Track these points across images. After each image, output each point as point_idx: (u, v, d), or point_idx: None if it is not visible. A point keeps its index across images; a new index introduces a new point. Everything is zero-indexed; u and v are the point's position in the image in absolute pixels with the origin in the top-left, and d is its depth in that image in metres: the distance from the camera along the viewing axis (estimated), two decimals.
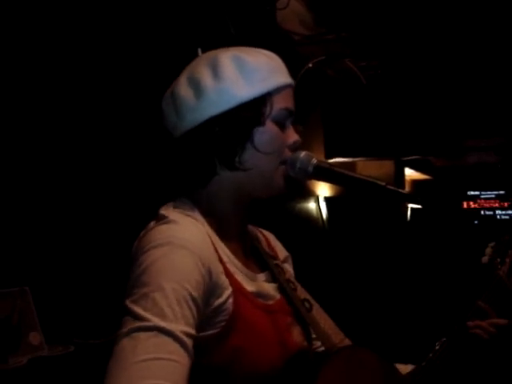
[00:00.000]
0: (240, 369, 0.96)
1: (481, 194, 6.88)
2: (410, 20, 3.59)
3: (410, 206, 6.06)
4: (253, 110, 1.03)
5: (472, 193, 6.90)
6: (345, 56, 4.21)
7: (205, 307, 0.92)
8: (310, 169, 1.06)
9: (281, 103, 1.06)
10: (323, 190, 4.85)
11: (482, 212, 6.83)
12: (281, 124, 1.07)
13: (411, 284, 5.04)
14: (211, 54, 1.08)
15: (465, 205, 6.88)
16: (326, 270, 4.32)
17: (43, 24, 2.15)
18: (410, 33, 3.76)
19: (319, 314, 1.14)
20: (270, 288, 1.10)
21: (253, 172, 1.04)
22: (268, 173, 1.06)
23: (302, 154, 1.07)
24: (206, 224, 1.03)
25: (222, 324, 0.95)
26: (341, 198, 5.08)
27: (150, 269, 0.88)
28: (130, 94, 2.44)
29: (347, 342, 1.14)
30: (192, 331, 0.86)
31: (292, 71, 1.11)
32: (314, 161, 1.07)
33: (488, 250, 1.41)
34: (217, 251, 0.99)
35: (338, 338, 1.12)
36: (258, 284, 1.07)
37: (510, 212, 6.81)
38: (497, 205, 6.82)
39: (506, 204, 6.79)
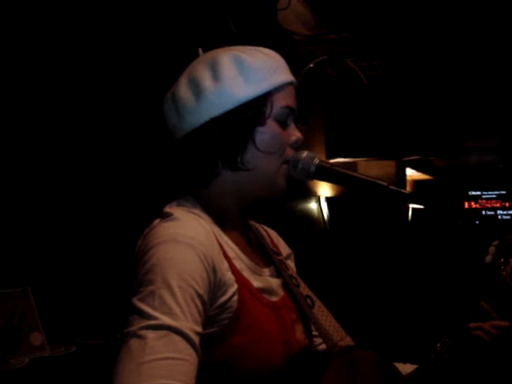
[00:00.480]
0: (242, 366, 0.95)
1: (482, 194, 6.87)
2: (410, 21, 3.59)
3: (412, 206, 6.06)
4: (253, 110, 1.02)
5: (473, 193, 6.90)
6: (346, 56, 4.21)
7: (210, 304, 0.91)
8: (313, 169, 1.05)
9: (282, 101, 1.05)
10: (324, 190, 4.85)
11: (484, 212, 6.83)
12: (282, 122, 1.06)
13: (412, 284, 5.03)
14: (210, 54, 1.07)
15: (466, 205, 6.88)
16: (327, 270, 4.32)
17: (44, 25, 2.15)
18: (411, 33, 3.76)
19: (321, 311, 1.13)
20: (274, 283, 1.09)
21: (255, 172, 1.04)
22: (270, 173, 1.05)
23: (304, 154, 1.06)
24: (210, 221, 1.02)
25: (225, 322, 0.94)
26: (342, 198, 5.08)
27: (155, 266, 0.88)
28: (132, 94, 2.44)
29: (348, 339, 1.13)
30: (199, 329, 0.86)
31: (293, 71, 1.10)
32: (317, 161, 1.06)
33: (491, 249, 1.40)
34: (222, 248, 0.99)
35: (340, 335, 1.12)
36: (264, 279, 1.07)
37: (511, 212, 6.80)
38: (498, 205, 6.81)
39: (507, 204, 6.79)
